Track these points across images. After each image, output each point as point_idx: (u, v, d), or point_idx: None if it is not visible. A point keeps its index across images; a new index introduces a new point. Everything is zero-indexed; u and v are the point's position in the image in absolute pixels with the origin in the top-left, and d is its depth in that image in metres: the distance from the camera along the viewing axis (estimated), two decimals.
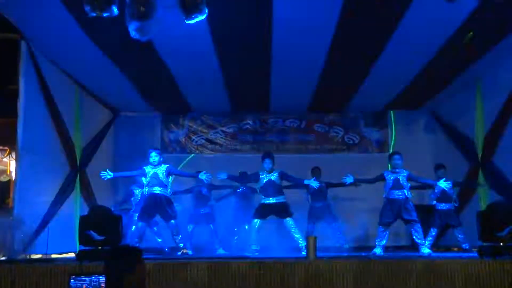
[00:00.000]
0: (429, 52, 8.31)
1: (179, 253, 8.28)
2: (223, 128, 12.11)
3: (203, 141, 12.09)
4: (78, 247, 7.47)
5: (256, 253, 8.12)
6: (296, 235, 8.15)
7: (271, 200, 8.32)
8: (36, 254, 7.71)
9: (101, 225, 6.50)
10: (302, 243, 8.00)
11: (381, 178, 8.37)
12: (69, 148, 9.03)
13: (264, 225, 8.52)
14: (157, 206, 8.15)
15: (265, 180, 8.37)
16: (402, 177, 8.20)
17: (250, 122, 12.14)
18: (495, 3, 5.62)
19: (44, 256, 7.68)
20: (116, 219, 6.66)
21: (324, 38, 7.77)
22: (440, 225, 9.11)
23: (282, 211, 8.30)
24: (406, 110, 11.72)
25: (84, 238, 6.49)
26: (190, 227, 9.56)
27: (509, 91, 8.36)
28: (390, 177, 8.25)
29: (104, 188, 10.37)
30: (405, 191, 8.15)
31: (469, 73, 9.20)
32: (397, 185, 8.17)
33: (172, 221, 8.19)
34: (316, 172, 9.99)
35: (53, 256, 7.94)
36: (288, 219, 8.23)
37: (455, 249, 9.46)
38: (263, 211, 8.36)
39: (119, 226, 6.57)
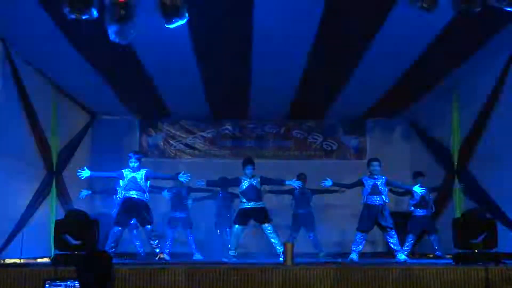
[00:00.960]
0: (407, 62, 8.43)
1: (156, 258, 8.22)
2: (202, 133, 12.10)
3: (182, 146, 12.06)
4: (53, 251, 7.37)
5: (234, 259, 8.11)
6: (274, 241, 8.16)
7: (251, 205, 8.32)
8: (10, 258, 7.59)
9: (77, 229, 6.43)
10: (280, 249, 8.01)
11: (360, 183, 8.42)
12: (45, 151, 8.93)
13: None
14: (134, 210, 8.07)
15: (246, 185, 8.36)
16: (380, 182, 8.27)
17: (229, 127, 12.15)
18: (471, 14, 5.69)
19: (19, 261, 7.56)
20: (92, 223, 6.59)
21: (304, 47, 7.83)
22: (417, 232, 9.22)
23: (261, 216, 8.31)
24: (384, 118, 11.84)
25: (59, 243, 6.40)
26: (170, 233, 9.61)
27: (484, 101, 8.49)
28: (368, 183, 8.31)
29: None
30: (383, 197, 8.21)
31: (445, 83, 9.33)
32: (375, 190, 8.24)
33: (148, 226, 8.11)
34: (301, 178, 10.01)
35: (28, 260, 7.83)
36: (267, 224, 8.24)
37: (430, 255, 9.56)
38: (244, 217, 8.35)
39: (95, 231, 6.50)
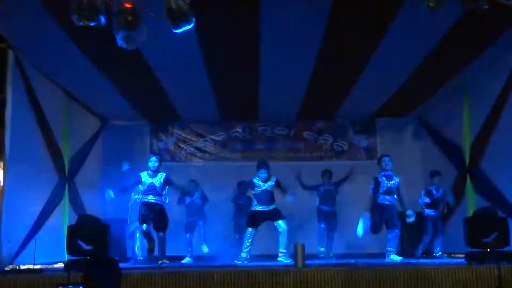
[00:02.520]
0: (416, 60, 8.38)
1: (160, 262, 8.23)
2: (212, 137, 12.11)
3: (192, 149, 12.08)
4: (66, 257, 7.43)
5: (246, 261, 8.12)
6: (282, 238, 8.17)
7: (263, 208, 8.32)
8: (24, 264, 7.66)
9: (89, 234, 6.47)
10: (282, 250, 8.04)
11: (377, 183, 8.35)
12: (57, 157, 9.00)
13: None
14: (151, 214, 8.12)
15: (260, 190, 8.36)
16: (394, 182, 8.26)
17: (239, 130, 12.16)
18: (479, 13, 5.67)
19: (32, 267, 7.62)
20: (105, 229, 6.64)
21: (312, 47, 7.82)
22: (432, 232, 9.19)
23: (274, 215, 8.31)
24: (394, 117, 11.78)
25: (72, 248, 6.45)
26: (188, 236, 9.70)
27: (495, 98, 8.44)
28: (384, 183, 8.29)
29: (93, 197, 10.35)
30: (395, 196, 8.22)
31: (456, 81, 9.28)
32: (389, 191, 8.23)
33: (161, 232, 8.16)
34: (326, 175, 9.99)
35: (42, 266, 7.89)
36: (280, 221, 8.23)
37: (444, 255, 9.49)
38: (256, 219, 8.36)
39: (107, 236, 6.54)
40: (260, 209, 8.34)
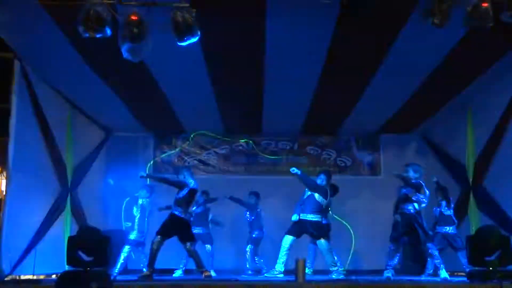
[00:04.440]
0: (420, 77, 8.39)
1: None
2: (216, 150, 12.11)
3: (196, 162, 12.08)
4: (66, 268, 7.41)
5: (280, 275, 8.03)
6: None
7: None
8: (24, 275, 7.64)
9: (89, 245, 6.44)
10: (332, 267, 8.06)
11: None
12: (60, 168, 9.01)
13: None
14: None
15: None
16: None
17: (243, 144, 12.17)
18: (483, 30, 5.69)
19: (32, 277, 7.60)
20: (105, 240, 6.61)
21: (316, 62, 7.84)
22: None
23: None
24: (398, 134, 11.77)
25: (72, 259, 6.42)
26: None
27: (499, 117, 8.43)
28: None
29: (95, 208, 10.37)
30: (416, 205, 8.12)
31: (459, 99, 9.27)
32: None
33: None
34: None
35: (42, 277, 7.87)
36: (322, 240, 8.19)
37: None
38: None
39: (108, 247, 6.51)
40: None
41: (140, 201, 9.37)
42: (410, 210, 7.99)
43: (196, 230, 9.24)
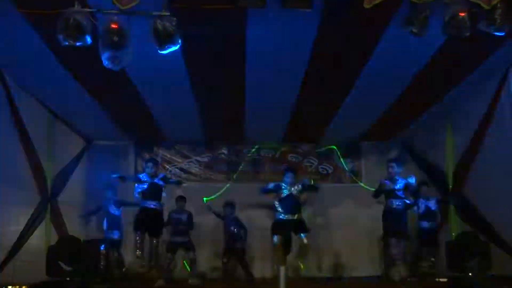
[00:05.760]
0: (400, 85, 8.46)
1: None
2: (198, 158, 12.09)
3: (177, 170, 12.03)
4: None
5: None
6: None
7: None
8: (3, 286, 7.52)
9: (70, 255, 6.39)
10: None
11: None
12: (40, 177, 8.92)
13: None
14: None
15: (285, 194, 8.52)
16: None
17: (224, 152, 12.16)
18: (461, 39, 5.78)
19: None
20: (85, 250, 6.56)
21: (297, 71, 7.88)
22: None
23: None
24: (378, 141, 11.86)
25: (52, 269, 6.36)
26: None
27: (478, 124, 8.54)
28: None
29: (75, 217, 10.27)
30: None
31: (439, 106, 9.37)
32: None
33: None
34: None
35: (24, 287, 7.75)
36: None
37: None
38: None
39: (88, 257, 6.46)
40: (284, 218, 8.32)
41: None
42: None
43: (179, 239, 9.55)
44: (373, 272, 10.72)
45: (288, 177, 8.42)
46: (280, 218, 8.44)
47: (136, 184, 9.23)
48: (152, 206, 8.96)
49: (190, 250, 9.78)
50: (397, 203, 8.31)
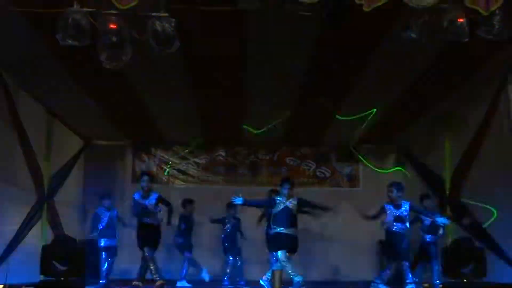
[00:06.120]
0: (398, 91, 8.48)
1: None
2: (195, 159, 12.08)
3: (175, 171, 12.03)
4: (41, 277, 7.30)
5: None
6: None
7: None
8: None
9: (64, 255, 6.37)
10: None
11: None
12: (37, 176, 8.90)
13: None
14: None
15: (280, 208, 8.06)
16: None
17: (222, 153, 12.15)
18: (459, 45, 5.78)
19: (2, 287, 7.47)
20: (80, 250, 6.55)
21: (296, 75, 7.91)
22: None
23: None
24: (376, 145, 11.85)
25: (46, 268, 6.34)
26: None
27: (475, 130, 8.53)
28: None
29: (72, 217, 10.27)
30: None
31: (437, 111, 9.40)
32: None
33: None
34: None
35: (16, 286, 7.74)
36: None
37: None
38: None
39: (83, 257, 6.45)
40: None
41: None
42: None
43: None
44: (371, 276, 10.69)
45: (286, 189, 8.08)
46: (277, 232, 7.97)
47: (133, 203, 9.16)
48: (148, 221, 8.90)
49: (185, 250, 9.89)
50: (400, 226, 8.19)
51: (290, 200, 7.95)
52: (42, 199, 9.10)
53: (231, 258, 10.11)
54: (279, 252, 7.67)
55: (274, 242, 7.97)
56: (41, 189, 9.07)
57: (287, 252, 7.73)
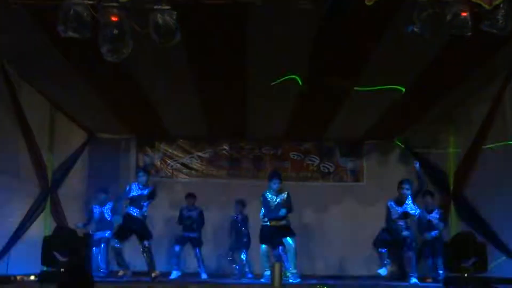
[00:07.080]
0: (403, 85, 8.43)
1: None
2: (199, 153, 12.08)
3: (179, 165, 12.04)
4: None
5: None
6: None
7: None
8: (1, 275, 7.56)
9: (65, 246, 6.40)
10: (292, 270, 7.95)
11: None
12: (41, 169, 8.98)
13: None
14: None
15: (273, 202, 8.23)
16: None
17: (226, 148, 12.15)
18: (463, 39, 5.75)
19: (6, 277, 7.52)
20: (81, 240, 6.58)
21: (299, 70, 7.87)
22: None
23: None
24: (380, 140, 11.82)
25: (47, 259, 6.37)
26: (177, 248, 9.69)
27: (479, 125, 8.50)
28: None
29: (76, 209, 10.30)
30: None
31: (441, 107, 9.35)
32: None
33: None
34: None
35: (18, 277, 7.79)
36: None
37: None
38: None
39: (83, 248, 6.48)
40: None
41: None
42: None
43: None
44: (374, 271, 10.69)
45: (275, 183, 8.09)
46: (266, 225, 8.15)
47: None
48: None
49: (196, 246, 9.82)
50: (404, 221, 8.21)
51: (281, 195, 8.17)
52: (45, 191, 9.16)
53: (241, 252, 10.07)
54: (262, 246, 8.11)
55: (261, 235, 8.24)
56: (45, 182, 9.14)
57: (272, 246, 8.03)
